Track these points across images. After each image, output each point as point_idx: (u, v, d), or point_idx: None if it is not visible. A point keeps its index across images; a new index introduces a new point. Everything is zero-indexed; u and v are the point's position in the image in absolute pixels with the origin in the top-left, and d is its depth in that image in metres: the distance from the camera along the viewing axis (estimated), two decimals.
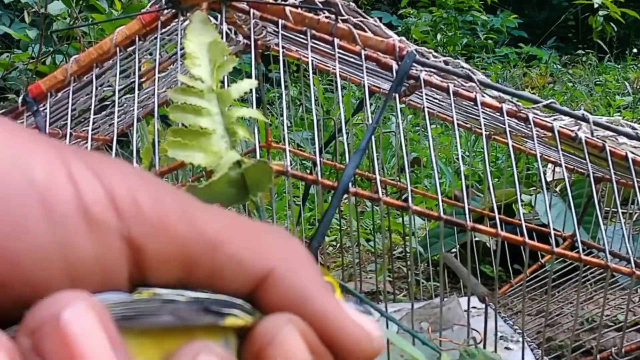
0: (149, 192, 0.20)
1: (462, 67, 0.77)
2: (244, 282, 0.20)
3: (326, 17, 0.73)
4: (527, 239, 0.67)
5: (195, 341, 0.18)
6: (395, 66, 0.72)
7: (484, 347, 0.74)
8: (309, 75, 0.83)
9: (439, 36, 4.60)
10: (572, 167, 1.13)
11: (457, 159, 1.69)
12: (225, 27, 0.71)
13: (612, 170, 0.73)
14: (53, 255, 0.18)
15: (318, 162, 0.69)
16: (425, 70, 0.75)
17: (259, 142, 0.63)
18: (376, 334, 0.22)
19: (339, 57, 0.73)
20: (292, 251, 0.22)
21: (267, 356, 0.19)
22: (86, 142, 0.98)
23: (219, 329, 0.20)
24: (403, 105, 1.07)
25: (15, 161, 0.18)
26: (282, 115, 0.89)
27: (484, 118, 0.77)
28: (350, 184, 0.64)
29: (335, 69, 0.73)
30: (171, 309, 0.18)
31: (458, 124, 0.89)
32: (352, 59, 0.80)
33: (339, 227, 1.36)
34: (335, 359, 0.21)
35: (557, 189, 1.46)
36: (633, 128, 0.79)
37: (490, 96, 0.77)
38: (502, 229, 0.67)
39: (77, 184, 0.18)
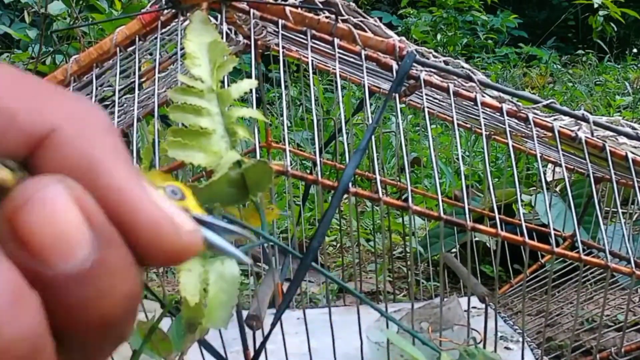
0: None
1: (462, 67, 0.77)
2: (17, 139, 0.17)
3: (326, 17, 0.73)
4: (527, 239, 0.67)
5: None
6: (395, 66, 0.72)
7: (484, 347, 0.74)
8: (309, 75, 0.83)
9: (439, 36, 4.60)
10: (572, 167, 1.13)
11: (457, 159, 1.69)
12: (225, 27, 0.71)
13: (612, 170, 0.73)
14: None
15: (318, 162, 0.69)
16: (425, 70, 0.75)
17: (259, 142, 0.63)
18: (188, 228, 0.18)
19: (339, 57, 0.73)
20: (86, 114, 0.18)
21: (21, 219, 0.16)
22: None
23: None
24: (403, 105, 1.07)
25: None
26: (282, 115, 0.89)
27: (484, 118, 0.77)
28: (350, 184, 0.64)
29: (335, 69, 0.73)
30: None
31: (458, 124, 0.89)
32: (352, 59, 0.80)
33: (339, 227, 1.36)
34: (131, 247, 0.17)
35: (557, 189, 1.46)
36: (633, 128, 0.79)
37: (490, 96, 0.77)
38: (502, 229, 0.67)
39: None
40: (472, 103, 0.74)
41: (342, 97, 0.70)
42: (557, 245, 0.83)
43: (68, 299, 0.16)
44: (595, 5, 4.33)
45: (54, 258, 0.16)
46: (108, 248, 0.17)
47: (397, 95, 0.69)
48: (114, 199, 0.17)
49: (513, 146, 0.74)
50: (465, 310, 0.76)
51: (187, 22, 0.68)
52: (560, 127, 0.75)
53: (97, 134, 0.18)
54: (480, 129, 0.76)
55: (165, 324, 0.41)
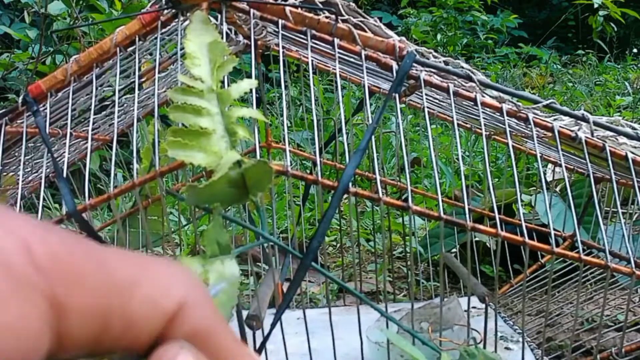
0: (60, 241, 0.20)
1: (462, 67, 0.77)
2: (159, 320, 0.21)
3: (326, 17, 0.73)
4: (527, 239, 0.67)
5: None
6: (395, 66, 0.72)
7: (484, 347, 0.74)
8: (309, 75, 0.83)
9: (439, 36, 4.60)
10: (572, 167, 1.13)
11: (457, 159, 1.69)
12: (225, 27, 0.71)
13: (612, 170, 0.73)
14: None
15: (318, 162, 0.69)
16: (425, 70, 0.75)
17: (259, 142, 0.63)
18: None
19: (339, 57, 0.73)
20: (197, 284, 0.22)
21: None
22: (86, 142, 0.98)
23: None
24: (403, 105, 1.07)
25: None
26: (282, 115, 0.89)
27: (484, 118, 0.76)
28: (350, 184, 0.64)
29: (335, 69, 0.73)
30: None
31: (458, 124, 0.89)
32: (352, 59, 0.80)
33: (339, 227, 1.36)
34: None
35: (557, 189, 1.46)
36: (633, 128, 0.79)
37: (490, 96, 0.77)
38: (502, 229, 0.67)
39: None
40: (472, 103, 0.74)
41: (342, 97, 0.70)
42: (557, 245, 0.83)
43: None
44: (595, 5, 4.33)
45: None
46: None
47: (397, 95, 0.69)
48: (226, 357, 0.21)
49: (513, 146, 0.74)
50: (465, 310, 0.76)
51: (187, 22, 0.68)
52: (560, 127, 0.75)
53: (209, 304, 0.22)
54: (480, 129, 0.76)
55: None
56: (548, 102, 0.76)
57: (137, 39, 0.73)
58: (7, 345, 0.18)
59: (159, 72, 0.71)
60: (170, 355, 0.20)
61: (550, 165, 1.44)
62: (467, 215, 0.66)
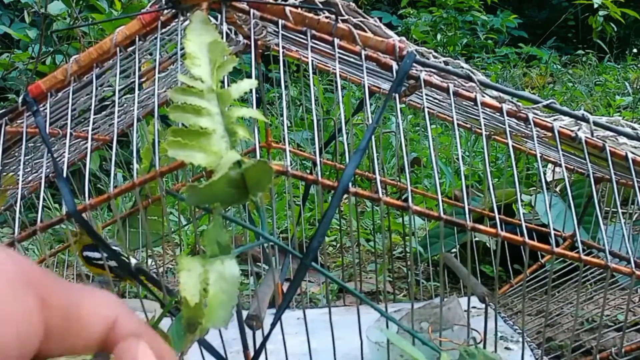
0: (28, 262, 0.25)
1: (462, 67, 0.77)
2: (102, 326, 0.26)
3: (326, 17, 0.73)
4: (527, 239, 0.67)
5: None
6: (395, 66, 0.72)
7: (484, 347, 0.74)
8: (309, 75, 0.83)
9: (439, 36, 4.60)
10: (572, 167, 1.13)
11: (457, 159, 1.69)
12: (225, 27, 0.71)
13: (612, 170, 0.73)
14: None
15: (318, 162, 0.69)
16: (425, 71, 0.75)
17: (259, 142, 0.63)
18: None
19: (339, 57, 0.73)
20: (120, 303, 0.28)
21: None
22: (86, 142, 0.98)
23: None
24: (403, 105, 1.07)
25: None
26: (282, 115, 0.89)
27: (484, 118, 0.76)
28: (350, 184, 0.64)
29: (335, 69, 0.73)
30: None
31: (458, 124, 0.89)
32: (352, 59, 0.80)
33: (339, 227, 1.36)
34: None
35: (557, 189, 1.46)
36: (633, 128, 0.79)
37: (490, 96, 0.77)
38: (502, 229, 0.67)
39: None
40: (472, 103, 0.74)
41: (342, 97, 0.70)
42: (557, 245, 0.83)
43: None
44: (595, 6, 4.33)
45: None
46: None
47: (397, 95, 0.69)
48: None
49: (513, 146, 0.74)
50: (465, 310, 0.76)
51: (187, 22, 0.68)
52: (560, 127, 0.75)
53: (134, 316, 0.28)
54: (480, 129, 0.76)
55: (165, 324, 0.41)
56: (548, 102, 0.76)
57: (137, 39, 0.73)
58: (12, 333, 0.23)
59: (159, 72, 0.71)
60: (131, 347, 0.25)
61: (550, 165, 1.44)
62: (467, 215, 0.66)
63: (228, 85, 0.48)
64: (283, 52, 0.72)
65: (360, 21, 0.76)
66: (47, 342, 0.25)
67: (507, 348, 0.99)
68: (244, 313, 0.71)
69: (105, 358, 0.25)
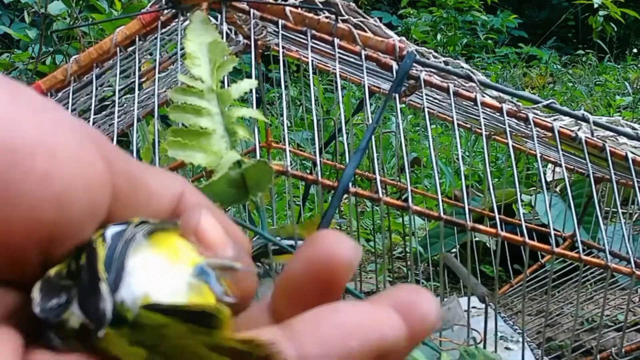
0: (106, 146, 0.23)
1: (462, 67, 0.77)
2: (170, 198, 0.24)
3: (326, 17, 0.73)
4: (527, 239, 0.67)
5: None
6: (395, 66, 0.72)
7: (484, 347, 0.74)
8: (309, 75, 0.83)
9: (439, 36, 4.60)
10: (572, 167, 1.13)
11: (457, 159, 1.69)
12: (225, 27, 0.71)
13: (612, 170, 0.73)
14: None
15: (318, 162, 0.69)
16: (426, 71, 0.75)
17: (259, 142, 0.63)
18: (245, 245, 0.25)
19: (339, 57, 0.73)
20: (184, 179, 0.26)
21: (200, 228, 0.23)
22: None
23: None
24: (403, 105, 1.07)
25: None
26: (282, 115, 0.89)
27: (484, 118, 0.77)
28: (350, 184, 0.64)
29: (335, 69, 0.73)
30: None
31: (458, 124, 0.89)
32: (352, 59, 0.80)
33: (339, 227, 1.36)
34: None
35: (557, 189, 1.46)
36: (633, 128, 0.79)
37: (490, 96, 0.77)
38: (502, 229, 0.67)
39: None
40: (472, 103, 0.74)
41: (342, 97, 0.70)
42: (557, 245, 0.83)
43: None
44: (595, 6, 4.33)
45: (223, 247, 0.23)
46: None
47: (397, 95, 0.69)
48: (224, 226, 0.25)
49: (513, 146, 0.75)
50: (465, 310, 0.76)
51: (187, 22, 0.68)
52: (560, 127, 0.75)
53: (198, 192, 0.26)
54: (480, 129, 0.76)
55: None
56: (548, 102, 0.76)
57: (137, 39, 0.73)
58: (80, 182, 0.20)
59: (159, 72, 0.71)
60: (194, 213, 0.23)
61: (550, 165, 1.44)
62: (467, 215, 0.66)
63: (228, 85, 0.48)
64: (283, 52, 0.72)
65: (360, 21, 0.76)
66: (114, 209, 0.22)
67: (507, 348, 0.99)
68: None
69: (174, 223, 0.23)
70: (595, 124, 0.76)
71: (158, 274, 0.20)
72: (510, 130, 0.75)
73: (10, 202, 0.19)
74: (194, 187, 0.26)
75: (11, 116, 0.19)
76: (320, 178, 0.66)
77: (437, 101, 0.97)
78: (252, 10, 0.73)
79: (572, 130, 0.75)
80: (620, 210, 0.76)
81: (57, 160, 0.19)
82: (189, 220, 0.23)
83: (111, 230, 0.21)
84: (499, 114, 0.75)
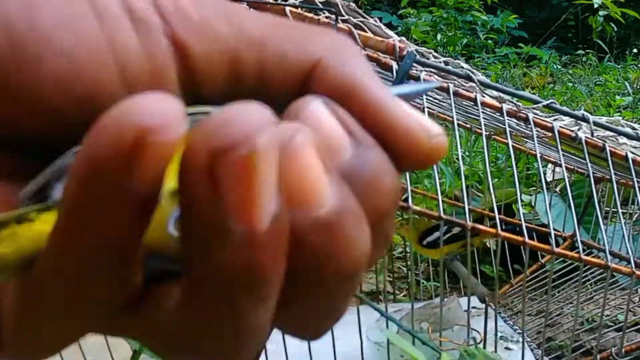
0: None
1: (462, 67, 0.77)
2: (293, 76, 0.19)
3: (326, 17, 0.73)
4: (527, 239, 0.67)
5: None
6: (395, 66, 0.72)
7: (484, 347, 0.74)
8: None
9: (439, 36, 4.60)
10: (572, 167, 1.13)
11: (457, 159, 1.69)
12: None
13: (612, 170, 0.73)
14: (106, 54, 0.18)
15: None
16: (426, 71, 0.75)
17: None
18: (436, 131, 0.19)
19: None
20: (341, 44, 0.20)
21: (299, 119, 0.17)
22: None
23: None
24: None
25: None
26: None
27: (484, 118, 0.77)
28: None
29: None
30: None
31: (458, 124, 0.89)
32: None
33: None
34: (390, 155, 0.18)
35: (557, 189, 1.46)
36: (633, 128, 0.79)
37: (490, 96, 0.77)
38: (502, 229, 0.67)
39: None
40: (472, 103, 0.74)
41: None
42: (557, 245, 0.83)
43: (314, 247, 0.16)
44: (595, 5, 4.33)
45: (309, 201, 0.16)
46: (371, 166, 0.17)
47: None
48: (374, 113, 0.19)
49: (513, 146, 0.75)
50: (465, 310, 0.76)
51: None
52: (560, 127, 0.75)
53: (354, 61, 0.20)
54: (480, 129, 0.76)
55: None
56: (548, 102, 0.76)
57: None
58: (131, 70, 0.18)
59: None
60: (302, 104, 0.17)
61: (550, 165, 1.44)
62: (467, 215, 0.66)
63: None
64: None
65: (360, 21, 0.76)
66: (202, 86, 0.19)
67: (507, 348, 0.99)
68: None
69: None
70: (595, 124, 0.76)
71: None
72: (510, 130, 0.75)
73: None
74: (349, 55, 0.20)
75: None
76: None
77: (437, 101, 0.97)
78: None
79: (572, 130, 0.75)
80: (620, 210, 0.76)
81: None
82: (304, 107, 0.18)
83: None
84: (499, 114, 0.75)
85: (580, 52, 5.22)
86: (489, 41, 5.15)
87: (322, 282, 0.16)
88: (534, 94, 2.14)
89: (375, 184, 0.17)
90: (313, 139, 0.16)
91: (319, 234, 0.16)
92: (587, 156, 0.73)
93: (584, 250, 0.98)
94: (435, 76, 0.76)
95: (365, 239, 0.17)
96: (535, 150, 0.72)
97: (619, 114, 3.04)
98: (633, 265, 0.71)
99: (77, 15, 0.18)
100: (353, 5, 0.79)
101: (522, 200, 1.19)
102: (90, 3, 0.18)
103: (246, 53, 0.19)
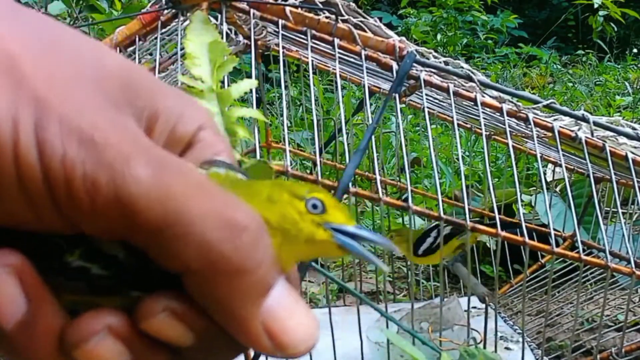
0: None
1: (462, 67, 0.77)
2: (187, 132, 0.24)
3: (326, 17, 0.73)
4: (527, 239, 0.67)
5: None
6: (395, 66, 0.72)
7: (484, 347, 0.74)
8: (309, 75, 0.83)
9: (439, 36, 4.60)
10: (572, 167, 1.13)
11: (457, 159, 1.69)
12: (225, 27, 0.71)
13: (612, 170, 0.73)
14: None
15: (318, 162, 0.69)
16: (426, 71, 0.75)
17: (259, 142, 0.63)
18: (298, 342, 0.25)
19: (339, 57, 0.73)
20: (203, 111, 0.26)
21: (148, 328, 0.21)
22: None
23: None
24: (403, 106, 1.07)
25: None
26: (282, 115, 0.89)
27: (484, 118, 0.77)
28: (350, 184, 0.64)
29: (335, 69, 0.73)
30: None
31: (458, 124, 0.89)
32: (352, 59, 0.80)
33: None
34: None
35: (557, 189, 1.46)
36: (633, 128, 0.79)
37: (490, 96, 0.77)
38: (502, 229, 0.67)
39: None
40: (472, 103, 0.74)
41: (342, 97, 0.70)
42: (557, 245, 0.83)
43: None
44: (595, 5, 4.33)
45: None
46: None
47: (397, 95, 0.69)
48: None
49: (513, 146, 0.75)
50: (465, 310, 0.76)
51: (187, 22, 0.68)
52: (560, 127, 0.75)
53: (214, 125, 0.26)
54: (480, 129, 0.76)
55: None
56: (548, 102, 0.76)
57: (137, 39, 0.73)
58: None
59: (159, 72, 0.71)
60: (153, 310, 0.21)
61: (550, 165, 1.44)
62: (467, 215, 0.66)
63: (228, 85, 0.48)
64: (283, 52, 0.72)
65: (360, 21, 0.76)
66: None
67: (507, 348, 0.99)
68: None
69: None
70: (595, 124, 0.76)
71: None
72: (510, 130, 0.75)
73: None
74: (214, 122, 0.26)
75: None
76: (320, 178, 0.66)
77: (437, 101, 0.97)
78: (252, 10, 0.73)
79: (572, 130, 0.75)
80: (620, 210, 0.76)
81: None
82: (202, 154, 0.24)
83: None
84: (499, 114, 0.75)
85: (580, 52, 5.22)
86: (489, 41, 5.15)
87: None
88: (534, 94, 2.14)
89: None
90: None
91: None
92: (587, 156, 0.73)
93: (584, 250, 0.98)
94: (435, 76, 0.76)
95: None
96: (535, 150, 0.72)
97: (619, 114, 3.04)
98: (633, 265, 0.71)
99: None
100: (353, 5, 0.79)
101: (522, 200, 1.19)
102: None
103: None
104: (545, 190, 0.76)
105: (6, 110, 0.18)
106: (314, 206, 0.24)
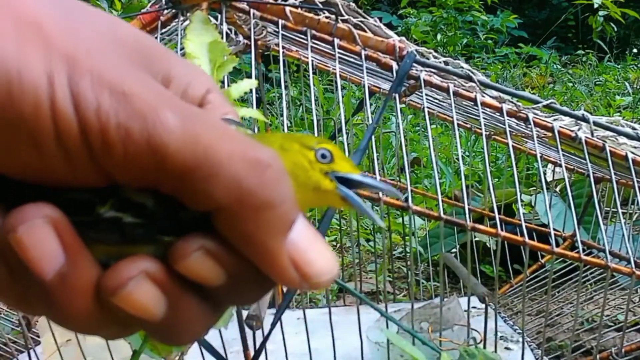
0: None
1: (462, 67, 0.77)
2: (194, 99, 0.25)
3: (326, 17, 0.73)
4: (527, 239, 0.67)
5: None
6: (395, 66, 0.72)
7: (484, 347, 0.74)
8: (309, 75, 0.83)
9: (439, 36, 4.60)
10: (572, 167, 1.13)
11: (457, 159, 1.69)
12: (225, 27, 0.71)
13: (612, 170, 0.73)
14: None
15: None
16: (426, 71, 0.75)
17: None
18: (323, 272, 0.23)
19: (339, 57, 0.73)
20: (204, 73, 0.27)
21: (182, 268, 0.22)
22: None
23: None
24: (403, 106, 1.07)
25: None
26: (282, 115, 0.89)
27: (484, 118, 0.77)
28: None
29: (335, 69, 0.73)
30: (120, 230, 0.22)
31: (458, 124, 0.89)
32: (352, 59, 0.80)
33: (339, 227, 1.36)
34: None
35: (557, 189, 1.46)
36: (633, 128, 0.79)
37: (490, 96, 0.77)
38: (502, 229, 0.67)
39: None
40: (472, 103, 0.74)
41: (342, 97, 0.70)
42: (557, 245, 0.83)
43: None
44: (595, 5, 4.33)
45: None
46: None
47: (397, 95, 0.69)
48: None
49: (513, 146, 0.75)
50: (465, 310, 0.76)
51: (187, 22, 0.68)
52: (560, 127, 0.75)
53: (222, 94, 0.27)
54: (480, 129, 0.76)
55: None
56: (548, 102, 0.76)
57: None
58: None
59: None
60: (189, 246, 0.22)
61: (550, 165, 1.44)
62: (467, 215, 0.66)
63: (228, 85, 0.48)
64: (283, 52, 0.72)
65: (360, 21, 0.76)
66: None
67: (507, 348, 0.99)
68: (244, 313, 0.71)
69: None
70: (595, 124, 0.76)
71: None
72: (510, 130, 0.75)
73: None
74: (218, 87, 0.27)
75: None
76: None
77: (437, 101, 0.97)
78: (252, 10, 0.73)
79: (572, 130, 0.75)
80: (620, 210, 0.76)
81: None
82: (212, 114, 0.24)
83: None
84: (499, 114, 0.75)
85: (580, 52, 5.22)
86: (489, 41, 5.15)
87: None
88: (534, 94, 2.14)
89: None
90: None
91: None
92: (587, 156, 0.73)
93: (584, 250, 0.98)
94: (435, 76, 0.76)
95: None
96: (535, 150, 0.72)
97: (619, 114, 3.04)
98: (633, 265, 0.71)
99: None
100: (353, 5, 0.79)
101: (522, 200, 1.19)
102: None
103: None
104: (545, 190, 0.76)
105: (42, 67, 0.20)
106: (323, 156, 0.26)
